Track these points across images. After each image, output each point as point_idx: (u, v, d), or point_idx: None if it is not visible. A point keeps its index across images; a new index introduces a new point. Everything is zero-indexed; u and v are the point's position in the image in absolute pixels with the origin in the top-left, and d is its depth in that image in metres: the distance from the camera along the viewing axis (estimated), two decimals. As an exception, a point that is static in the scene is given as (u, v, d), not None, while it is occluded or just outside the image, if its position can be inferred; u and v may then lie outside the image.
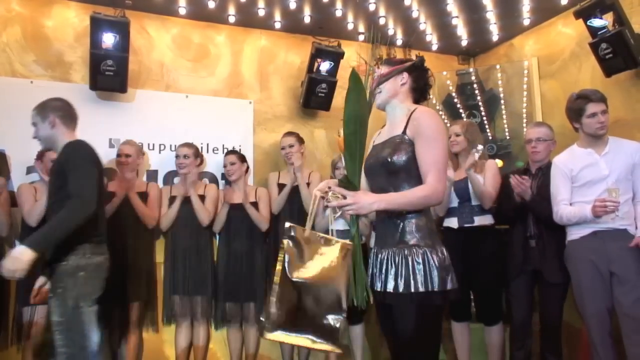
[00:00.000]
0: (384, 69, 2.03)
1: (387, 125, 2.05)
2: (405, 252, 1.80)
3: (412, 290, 1.75)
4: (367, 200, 1.75)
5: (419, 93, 2.03)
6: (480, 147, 3.14)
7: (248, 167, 3.80)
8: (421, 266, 1.77)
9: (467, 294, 3.32)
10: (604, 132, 2.77)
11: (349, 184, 1.79)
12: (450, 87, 4.57)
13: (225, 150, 4.07)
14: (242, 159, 3.74)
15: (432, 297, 1.76)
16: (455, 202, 3.27)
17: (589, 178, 2.75)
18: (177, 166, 3.57)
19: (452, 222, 3.27)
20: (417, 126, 1.84)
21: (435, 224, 3.41)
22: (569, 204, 2.81)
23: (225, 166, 3.70)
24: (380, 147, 1.97)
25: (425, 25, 4.24)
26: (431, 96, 4.68)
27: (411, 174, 1.85)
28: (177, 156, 3.59)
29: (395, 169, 1.85)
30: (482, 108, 4.39)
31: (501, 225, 3.34)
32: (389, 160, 1.85)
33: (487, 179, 3.21)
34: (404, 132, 1.87)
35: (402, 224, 1.84)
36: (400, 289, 1.76)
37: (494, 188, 3.20)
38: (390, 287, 1.79)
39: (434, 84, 2.10)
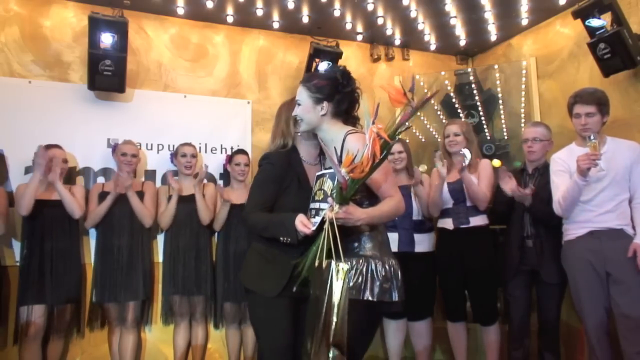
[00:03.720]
0: (301, 94, 2.01)
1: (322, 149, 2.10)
2: (353, 261, 1.85)
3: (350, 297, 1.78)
4: (356, 215, 1.79)
5: (345, 116, 2.03)
6: (466, 151, 3.12)
7: None
8: (364, 275, 1.82)
9: (463, 294, 3.32)
10: (587, 134, 2.73)
11: (342, 198, 1.78)
12: (449, 87, 4.56)
13: (224, 151, 4.07)
14: (248, 160, 3.75)
15: (369, 305, 1.80)
16: (449, 203, 3.28)
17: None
18: (183, 165, 3.57)
19: (447, 223, 3.28)
20: (353, 151, 1.78)
21: (433, 224, 3.48)
22: None
23: (238, 165, 3.67)
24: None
25: (424, 25, 4.24)
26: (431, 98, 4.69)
27: (362, 194, 1.90)
28: (183, 155, 3.59)
29: None
30: (480, 108, 4.39)
31: (496, 225, 3.34)
32: None
33: (481, 179, 3.21)
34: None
35: (354, 234, 1.89)
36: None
37: (489, 188, 3.20)
38: None
39: (360, 97, 2.06)
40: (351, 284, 1.80)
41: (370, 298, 1.80)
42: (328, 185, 1.85)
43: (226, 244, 3.59)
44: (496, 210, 3.25)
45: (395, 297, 1.85)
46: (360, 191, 1.87)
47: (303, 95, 2.02)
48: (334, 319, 1.62)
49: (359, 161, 1.71)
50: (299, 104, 2.04)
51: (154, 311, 3.57)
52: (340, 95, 1.99)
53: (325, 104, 1.97)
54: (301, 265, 1.86)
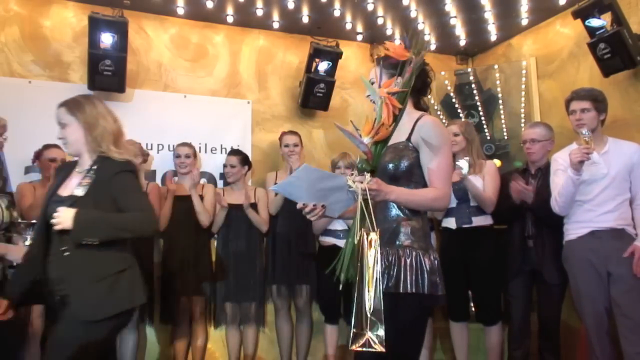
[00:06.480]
0: (375, 72, 2.00)
1: None
2: (400, 252, 1.80)
3: (401, 290, 1.75)
4: (385, 188, 1.74)
5: (417, 94, 2.01)
6: (464, 162, 3.10)
7: (250, 168, 3.80)
8: (413, 268, 1.77)
9: (465, 294, 3.32)
10: (581, 130, 2.71)
11: (368, 167, 1.76)
12: (449, 87, 4.56)
13: (224, 150, 4.07)
14: (244, 161, 3.73)
15: (421, 299, 1.78)
16: (453, 203, 3.26)
17: (587, 176, 2.74)
18: (178, 166, 3.58)
19: (450, 223, 3.27)
20: (423, 134, 1.84)
21: (434, 224, 3.47)
22: None
23: (225, 166, 3.70)
24: None
25: (424, 25, 4.24)
26: (429, 96, 4.69)
27: (411, 180, 1.85)
28: (177, 155, 3.60)
29: (397, 174, 1.84)
30: (480, 108, 4.39)
31: (500, 225, 3.34)
32: (392, 165, 1.85)
33: (486, 181, 3.20)
34: (409, 139, 1.87)
35: (397, 224, 1.85)
36: (390, 288, 1.76)
37: (494, 191, 3.19)
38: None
39: (434, 79, 2.06)
40: (402, 277, 1.76)
41: (425, 291, 1.76)
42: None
43: (225, 244, 3.59)
44: (498, 211, 3.25)
45: (442, 290, 1.82)
46: (407, 179, 1.84)
47: (377, 72, 1.99)
48: (370, 291, 1.57)
49: (378, 123, 1.71)
50: (372, 82, 2.00)
51: (155, 311, 3.56)
52: (417, 72, 1.98)
53: (399, 80, 1.95)
54: (339, 265, 1.81)
